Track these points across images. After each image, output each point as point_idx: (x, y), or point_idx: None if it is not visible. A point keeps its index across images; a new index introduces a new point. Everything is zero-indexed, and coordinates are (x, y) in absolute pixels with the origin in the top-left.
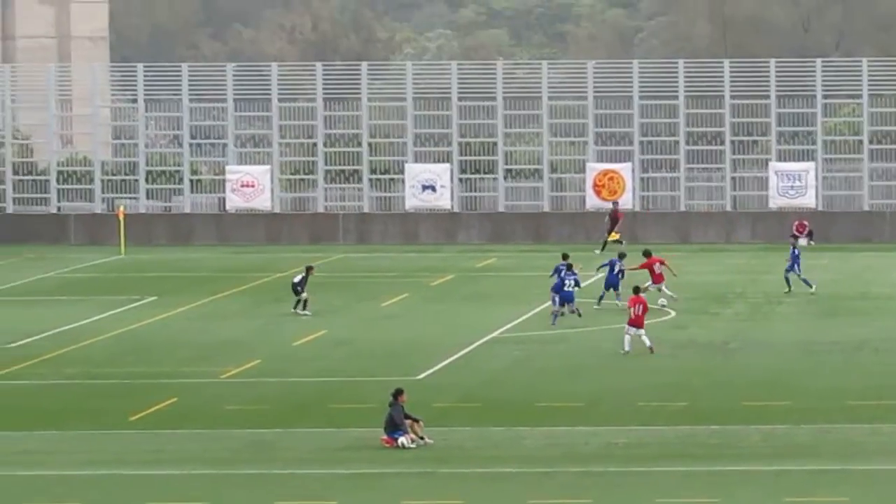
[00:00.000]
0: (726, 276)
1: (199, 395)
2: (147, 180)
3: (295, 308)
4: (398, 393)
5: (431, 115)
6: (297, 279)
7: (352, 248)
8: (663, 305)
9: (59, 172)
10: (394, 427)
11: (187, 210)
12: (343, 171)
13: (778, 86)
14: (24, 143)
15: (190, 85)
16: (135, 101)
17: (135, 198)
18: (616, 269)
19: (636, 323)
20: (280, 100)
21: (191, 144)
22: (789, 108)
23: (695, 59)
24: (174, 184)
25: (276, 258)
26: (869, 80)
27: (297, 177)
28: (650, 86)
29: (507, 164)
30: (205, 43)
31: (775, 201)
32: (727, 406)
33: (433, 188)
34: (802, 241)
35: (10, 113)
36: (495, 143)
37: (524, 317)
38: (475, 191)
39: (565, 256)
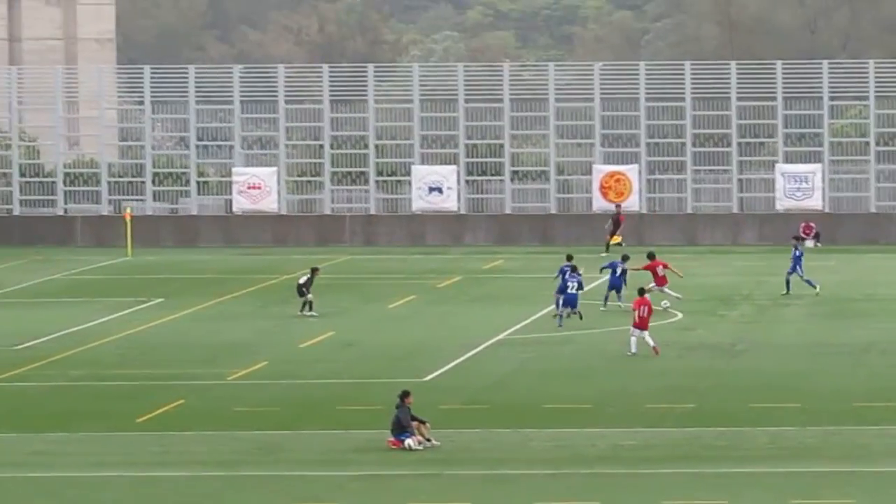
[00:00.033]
0: (733, 277)
1: (206, 397)
2: (154, 182)
3: (301, 310)
4: (405, 395)
5: (438, 117)
6: (302, 280)
7: (358, 249)
8: (666, 308)
9: (66, 174)
10: (401, 429)
11: (194, 212)
12: (350, 172)
13: (784, 88)
14: (30, 145)
15: (196, 87)
16: (141, 103)
17: (141, 200)
18: (618, 272)
19: (641, 324)
20: (287, 102)
21: (197, 146)
22: (796, 109)
23: (701, 61)
24: (181, 186)
25: (282, 260)
26: (875, 82)
27: (304, 179)
28: (657, 88)
29: (513, 165)
30: (211, 45)
31: (782, 203)
32: (734, 408)
33: (440, 190)
34: (809, 243)
35: (16, 115)
36: (502, 145)
37: (531, 318)
38: (482, 193)
39: (569, 258)
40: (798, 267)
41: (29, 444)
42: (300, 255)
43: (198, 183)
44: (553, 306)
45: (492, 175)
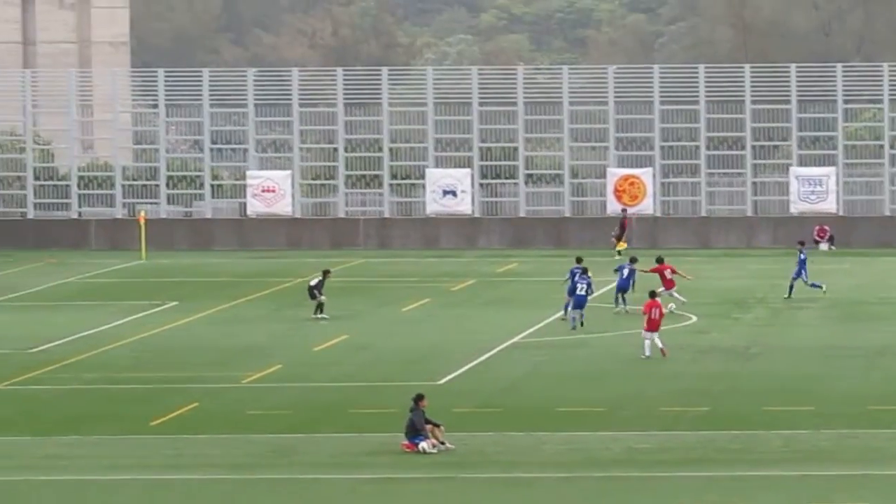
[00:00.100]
0: (747, 281)
1: (220, 400)
2: (168, 185)
3: (315, 313)
4: (419, 398)
5: (452, 120)
6: (313, 282)
7: (372, 253)
8: (672, 310)
9: (80, 177)
10: (415, 432)
11: (208, 215)
12: (364, 176)
13: (799, 91)
14: (45, 149)
15: (211, 90)
16: (156, 106)
17: (156, 203)
18: (625, 273)
19: (653, 327)
20: (301, 105)
21: (211, 149)
22: (810, 112)
23: (715, 64)
24: (195, 189)
25: (296, 263)
26: (890, 85)
27: (318, 182)
28: (671, 91)
29: (527, 169)
30: (225, 48)
31: (796, 206)
32: (748, 411)
33: (454, 193)
34: (823, 246)
35: (31, 118)
36: (516, 148)
37: (545, 322)
38: (496, 196)
39: (579, 260)
40: (803, 271)
41: (42, 447)
42: (314, 258)
43: (212, 186)
44: (561, 313)
45: (506, 178)
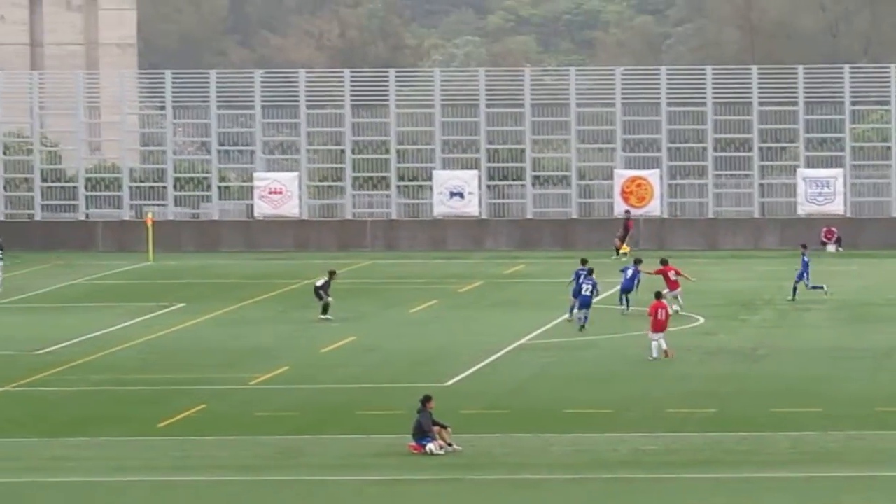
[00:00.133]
0: (754, 282)
1: (227, 402)
2: (175, 187)
3: (323, 314)
4: (426, 399)
5: (459, 122)
6: (319, 283)
7: (380, 254)
8: (677, 312)
9: (88, 179)
10: (422, 434)
11: (215, 217)
12: (371, 177)
13: (806, 92)
14: (52, 150)
15: (218, 92)
16: (163, 107)
17: (163, 205)
18: (630, 274)
19: (659, 328)
20: (308, 106)
21: (219, 151)
22: (817, 114)
23: (723, 66)
24: (202, 191)
25: (304, 265)
26: None
27: (325, 183)
28: (678, 92)
29: (535, 170)
30: (233, 50)
31: (803, 208)
32: (756, 412)
33: (461, 195)
34: (831, 248)
35: (38, 120)
36: (523, 150)
37: (552, 323)
38: (503, 197)
39: (584, 261)
40: (805, 274)
41: (49, 448)
42: (321, 259)
43: (219, 188)
44: (567, 316)
45: (513, 180)
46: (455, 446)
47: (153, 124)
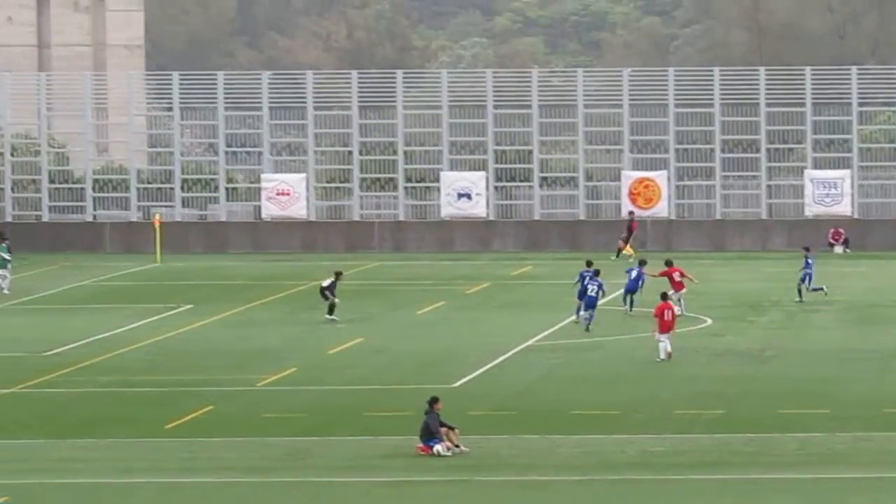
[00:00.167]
0: (762, 284)
1: (235, 403)
2: (183, 189)
3: (329, 314)
4: (434, 401)
5: (467, 123)
6: (325, 283)
7: (387, 256)
8: (681, 313)
9: (95, 181)
10: (429, 435)
11: (223, 218)
12: (378, 179)
13: (813, 93)
14: (59, 152)
15: (225, 93)
16: (170, 109)
17: (170, 206)
18: (634, 275)
19: (665, 329)
20: (315, 108)
21: (226, 153)
22: (825, 115)
23: (730, 67)
24: (210, 192)
25: (311, 266)
26: None
27: (333, 185)
28: (686, 94)
29: (542, 172)
30: (240, 51)
31: (811, 209)
32: (763, 414)
33: (469, 196)
34: (839, 249)
35: (45, 121)
36: (531, 151)
37: (559, 325)
38: (511, 199)
39: (589, 263)
40: (808, 276)
41: (57, 450)
42: (329, 261)
43: (227, 189)
44: (574, 317)
45: (521, 181)
46: (462, 448)
47: (161, 126)
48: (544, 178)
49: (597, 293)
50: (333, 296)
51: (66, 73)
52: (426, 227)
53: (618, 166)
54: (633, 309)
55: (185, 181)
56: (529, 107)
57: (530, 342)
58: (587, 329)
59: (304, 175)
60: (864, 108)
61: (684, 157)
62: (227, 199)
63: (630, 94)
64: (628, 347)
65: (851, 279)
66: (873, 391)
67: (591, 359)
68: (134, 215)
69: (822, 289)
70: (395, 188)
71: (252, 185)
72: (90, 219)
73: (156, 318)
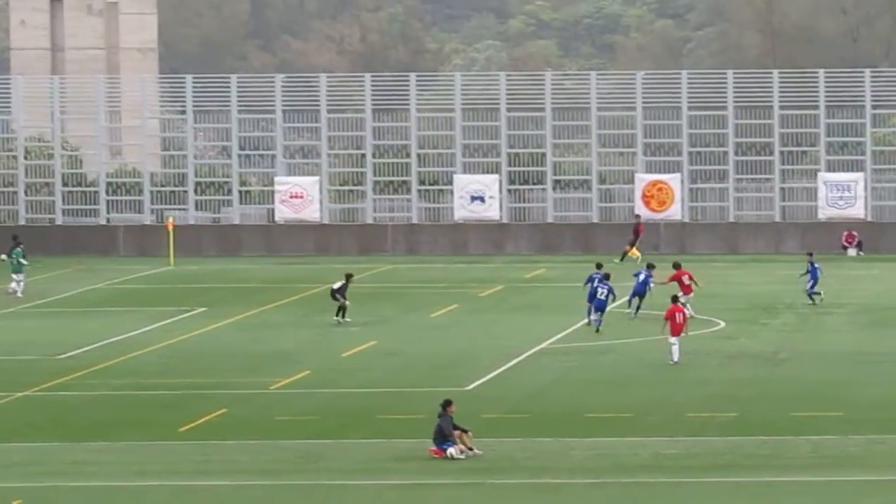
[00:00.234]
0: (775, 286)
1: (248, 406)
2: (196, 191)
3: (336, 316)
4: (447, 404)
5: (480, 126)
6: (336, 286)
7: (401, 258)
8: (692, 316)
9: (109, 184)
10: (442, 438)
11: (236, 221)
12: (392, 181)
13: (827, 96)
14: (73, 155)
15: (239, 96)
16: (184, 112)
17: (184, 209)
18: (642, 278)
19: (677, 331)
20: (329, 111)
21: (240, 156)
22: (838, 118)
23: (744, 70)
24: (223, 195)
25: (324, 269)
26: None
27: (346, 188)
28: (699, 96)
29: (555, 174)
30: (253, 54)
31: (824, 212)
32: (776, 417)
33: (482, 199)
34: (852, 252)
35: (59, 124)
36: (544, 154)
37: (572, 328)
38: (524, 201)
39: (599, 266)
40: (814, 281)
41: (71, 453)
42: (342, 264)
43: (240, 192)
44: (586, 321)
45: (534, 184)
46: (476, 450)
47: (174, 129)
48: (557, 181)
49: (606, 297)
50: (344, 298)
51: (79, 77)
52: (439, 229)
53: (631, 169)
54: (639, 312)
55: (198, 184)
56: (543, 109)
57: (543, 345)
58: (597, 331)
59: (317, 178)
60: (877, 111)
61: (697, 159)
62: (241, 202)
63: (643, 97)
64: (641, 350)
65: (865, 282)
66: (887, 394)
67: (604, 362)
68: (147, 218)
69: (819, 294)
70: (409, 191)
71: (265, 188)
72: (104, 222)
73: (169, 321)
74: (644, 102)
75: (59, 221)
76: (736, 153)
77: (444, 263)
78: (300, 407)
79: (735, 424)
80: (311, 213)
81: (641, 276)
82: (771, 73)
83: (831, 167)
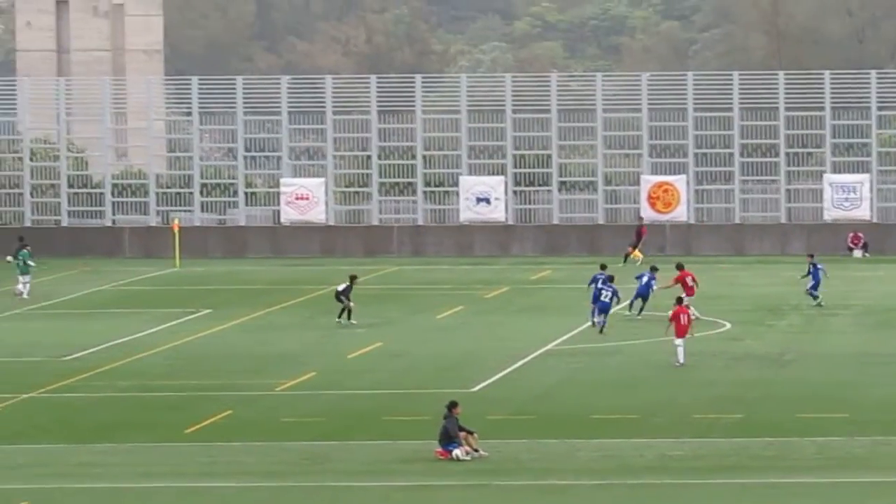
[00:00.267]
0: (781, 288)
1: (254, 408)
2: (202, 193)
3: (339, 317)
4: (453, 405)
5: (486, 128)
6: (340, 288)
7: (406, 260)
8: (697, 317)
9: (114, 185)
10: (448, 439)
11: (242, 223)
12: (397, 183)
13: (833, 97)
14: (79, 156)
15: (244, 98)
16: (189, 113)
17: (189, 211)
18: (645, 280)
19: (682, 333)
20: (334, 112)
21: (245, 157)
22: (844, 119)
23: (749, 71)
24: (229, 196)
25: (330, 271)
26: None
27: (352, 189)
28: (705, 98)
29: (561, 176)
30: (259, 56)
31: (830, 213)
32: (782, 418)
33: (487, 200)
34: (857, 254)
35: (65, 126)
36: (549, 156)
37: (578, 329)
38: (529, 203)
39: (603, 267)
40: (816, 282)
41: (76, 454)
42: (348, 265)
43: (246, 194)
44: (589, 322)
45: (539, 185)
46: (481, 452)
47: (180, 130)
48: (563, 183)
49: (611, 299)
50: (349, 300)
51: (85, 78)
52: (445, 231)
53: (637, 170)
54: (642, 313)
55: (204, 186)
56: (548, 111)
57: (549, 346)
58: (601, 332)
59: (323, 179)
60: (883, 112)
61: (703, 161)
62: (246, 204)
63: (649, 99)
64: (646, 352)
65: (870, 283)
66: (892, 395)
67: (610, 363)
68: (153, 220)
69: (817, 296)
70: (414, 192)
71: (271, 190)
72: (109, 223)
73: (175, 322)
74: (650, 104)
75: (64, 223)
76: (742, 154)
77: (449, 265)
78: (306, 408)
79: (741, 426)
80: (317, 214)
81: (644, 279)
82: (777, 74)
83: (837, 168)
